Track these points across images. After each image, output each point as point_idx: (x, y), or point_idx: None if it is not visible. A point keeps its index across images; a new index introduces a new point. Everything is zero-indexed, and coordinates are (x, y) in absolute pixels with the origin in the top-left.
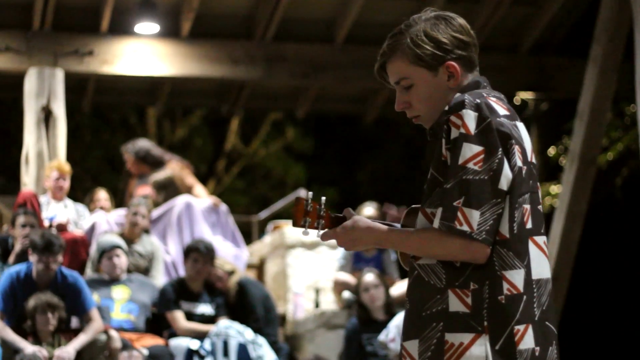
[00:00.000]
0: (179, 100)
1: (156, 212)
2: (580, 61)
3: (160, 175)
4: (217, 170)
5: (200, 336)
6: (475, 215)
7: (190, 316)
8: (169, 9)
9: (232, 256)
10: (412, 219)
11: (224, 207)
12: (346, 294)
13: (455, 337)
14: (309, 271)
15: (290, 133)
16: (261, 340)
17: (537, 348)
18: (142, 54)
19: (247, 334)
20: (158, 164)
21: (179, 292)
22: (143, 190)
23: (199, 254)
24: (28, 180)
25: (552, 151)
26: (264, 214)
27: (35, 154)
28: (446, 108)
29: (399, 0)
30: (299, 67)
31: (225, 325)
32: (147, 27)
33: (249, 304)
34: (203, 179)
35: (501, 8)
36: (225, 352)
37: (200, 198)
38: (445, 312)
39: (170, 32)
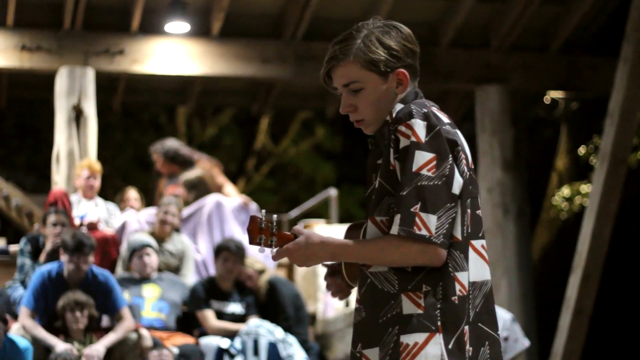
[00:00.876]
0: (209, 99)
1: (186, 211)
2: (610, 60)
3: (190, 174)
4: (247, 169)
5: (231, 335)
6: (432, 220)
7: (220, 315)
8: (199, 8)
9: (262, 255)
10: (355, 234)
11: (253, 205)
12: None
13: (410, 337)
14: None
15: (320, 132)
16: (291, 339)
17: (470, 348)
18: (172, 53)
19: (278, 332)
20: (187, 163)
21: (210, 291)
22: (173, 190)
23: (229, 252)
24: (59, 179)
25: (582, 150)
26: (294, 213)
27: (66, 153)
28: (388, 118)
29: (429, 2)
30: None
31: (256, 324)
32: (178, 26)
33: (279, 303)
34: (233, 178)
35: (531, 7)
36: (256, 351)
37: (230, 197)
38: (399, 315)
39: (201, 31)
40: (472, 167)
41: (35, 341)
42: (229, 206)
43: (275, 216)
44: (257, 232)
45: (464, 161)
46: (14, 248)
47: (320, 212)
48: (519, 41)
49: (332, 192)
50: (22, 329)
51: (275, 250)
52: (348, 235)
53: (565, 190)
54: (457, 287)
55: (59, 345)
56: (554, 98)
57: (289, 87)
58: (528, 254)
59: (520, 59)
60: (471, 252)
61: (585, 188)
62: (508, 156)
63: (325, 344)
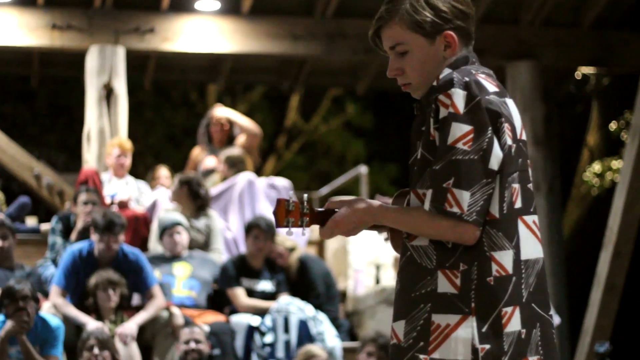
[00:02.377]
0: (240, 77)
1: (219, 188)
2: None
3: (233, 151)
4: (278, 146)
5: (261, 313)
6: (465, 196)
7: (250, 293)
8: None
9: (293, 233)
10: (401, 202)
11: (284, 182)
12: None
13: (442, 318)
14: (369, 247)
15: (351, 109)
16: (322, 316)
17: (524, 330)
18: (202, 31)
19: (308, 310)
20: (233, 138)
21: (240, 269)
22: (209, 162)
23: (259, 230)
24: (90, 158)
25: (613, 126)
26: (324, 190)
27: (97, 131)
28: (435, 83)
29: None
30: (359, 43)
31: (286, 301)
32: (208, 3)
33: (309, 281)
34: (263, 155)
35: None
36: (286, 329)
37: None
38: (434, 293)
39: (231, 8)
40: (523, 138)
41: (67, 320)
42: (261, 185)
43: (305, 195)
44: (283, 214)
45: (508, 133)
46: (45, 227)
47: (350, 189)
48: (550, 17)
49: (363, 169)
50: (54, 307)
51: (306, 230)
52: (395, 202)
53: (596, 166)
54: (494, 267)
55: (90, 323)
56: (585, 74)
57: (319, 64)
58: (559, 230)
59: (552, 34)
60: (523, 229)
61: (616, 164)
62: (539, 132)
63: (356, 321)
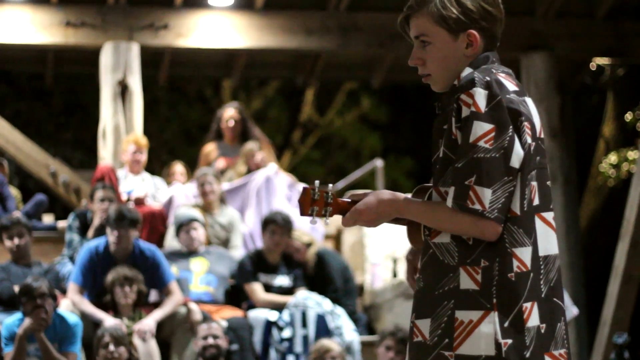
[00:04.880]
0: (254, 72)
1: (236, 183)
2: None
3: (255, 145)
4: (293, 141)
5: (279, 307)
6: (487, 194)
7: (268, 288)
8: None
9: (310, 227)
10: (420, 197)
11: (299, 185)
12: None
13: (465, 314)
14: (386, 241)
15: (366, 103)
16: (339, 310)
17: (543, 325)
18: (216, 26)
19: (326, 304)
20: (249, 136)
21: (257, 264)
22: (220, 164)
23: (276, 225)
24: (105, 155)
25: (629, 117)
26: (340, 184)
27: (112, 128)
28: (456, 82)
29: None
30: (373, 37)
31: (304, 296)
32: None
33: (328, 275)
34: (279, 150)
35: None
36: (304, 323)
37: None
38: (456, 289)
39: (245, 3)
40: (541, 136)
41: (84, 317)
42: (278, 181)
43: (330, 186)
44: (309, 203)
45: (527, 131)
46: (62, 224)
47: (366, 183)
48: (564, 8)
49: (379, 162)
50: (71, 304)
51: (328, 219)
52: (414, 197)
53: (612, 157)
54: (515, 263)
55: (108, 320)
56: (599, 65)
57: (333, 59)
58: (576, 222)
59: (566, 26)
60: (541, 225)
61: (632, 154)
62: (554, 124)
63: (374, 315)
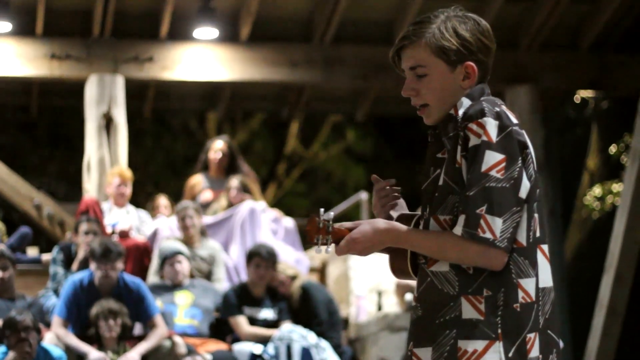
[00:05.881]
0: (239, 104)
1: (220, 216)
2: None
3: (245, 178)
4: (278, 173)
5: (264, 341)
6: (498, 223)
7: (253, 321)
8: (227, 13)
9: (294, 260)
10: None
11: (290, 222)
12: (409, 296)
13: (469, 344)
14: (371, 274)
15: (350, 135)
16: (324, 343)
17: (541, 356)
18: (201, 59)
19: (311, 337)
20: (237, 169)
21: (242, 297)
22: (206, 195)
23: (261, 259)
24: (90, 187)
25: (613, 149)
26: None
27: (97, 160)
28: (452, 112)
29: (458, 1)
30: (358, 69)
31: (289, 329)
32: (206, 32)
33: (312, 308)
34: (264, 183)
35: (560, 6)
36: (289, 356)
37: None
38: (458, 319)
39: (229, 36)
40: (536, 169)
41: (69, 350)
42: (262, 214)
43: (332, 214)
44: (315, 232)
45: (531, 164)
46: (46, 257)
47: (351, 215)
48: (548, 40)
49: (363, 195)
50: (55, 338)
51: (329, 248)
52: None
53: (597, 190)
54: (520, 294)
55: (92, 353)
56: (584, 97)
57: (318, 91)
58: (560, 254)
59: (550, 58)
60: (541, 257)
61: (616, 187)
62: (539, 156)
63: (359, 348)
